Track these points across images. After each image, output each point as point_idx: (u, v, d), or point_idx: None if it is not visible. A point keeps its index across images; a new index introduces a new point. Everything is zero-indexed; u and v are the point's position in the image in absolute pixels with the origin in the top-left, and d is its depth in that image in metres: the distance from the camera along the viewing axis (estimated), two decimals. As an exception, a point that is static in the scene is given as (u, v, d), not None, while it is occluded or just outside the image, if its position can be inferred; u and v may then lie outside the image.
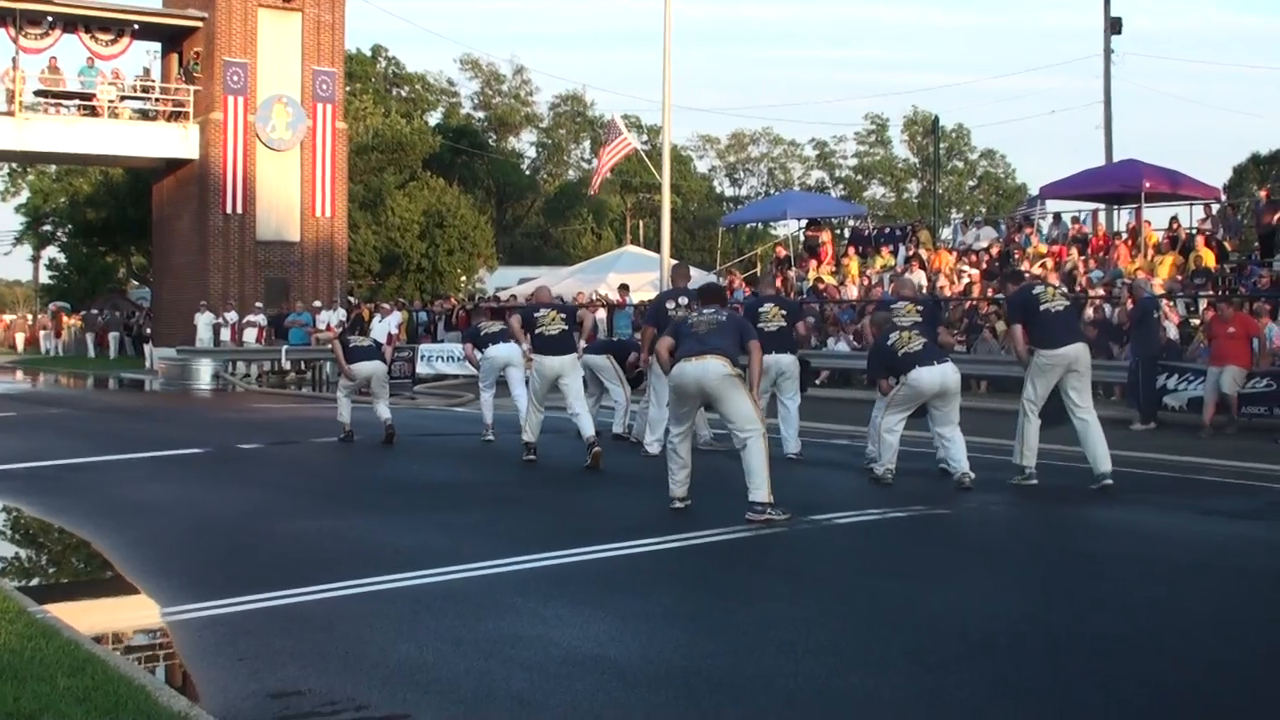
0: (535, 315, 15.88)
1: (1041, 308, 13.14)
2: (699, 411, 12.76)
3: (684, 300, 15.78)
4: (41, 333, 63.64)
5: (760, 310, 15.57)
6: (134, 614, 8.50)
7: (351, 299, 45.26)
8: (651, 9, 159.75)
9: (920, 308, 14.32)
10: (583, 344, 16.70)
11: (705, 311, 11.68)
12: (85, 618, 7.98)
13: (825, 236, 39.30)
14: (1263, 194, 30.19)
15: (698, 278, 42.08)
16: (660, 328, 15.99)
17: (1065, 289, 13.14)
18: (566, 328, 15.73)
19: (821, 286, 34.77)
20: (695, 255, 76.30)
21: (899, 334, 13.51)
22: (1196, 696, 6.20)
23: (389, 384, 18.98)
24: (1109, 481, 12.84)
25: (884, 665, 6.64)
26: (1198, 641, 7.27)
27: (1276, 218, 27.70)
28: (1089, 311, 25.31)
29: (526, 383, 16.93)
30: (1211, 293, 25.34)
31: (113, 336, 54.60)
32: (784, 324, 15.67)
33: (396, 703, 6.06)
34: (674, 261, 34.04)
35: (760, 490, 10.87)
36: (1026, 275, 17.96)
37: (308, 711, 5.99)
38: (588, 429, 15.24)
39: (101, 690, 5.89)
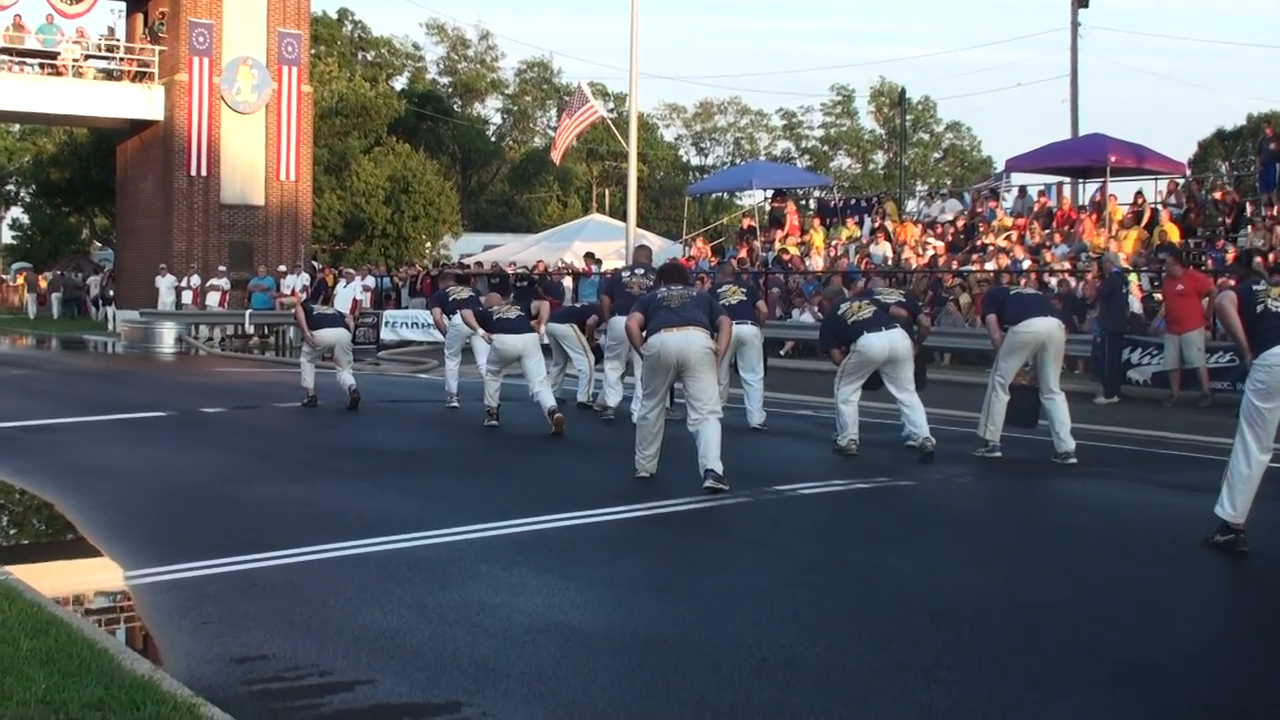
0: (490, 311, 16.21)
1: (1012, 293, 13.31)
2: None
3: (640, 272, 16.30)
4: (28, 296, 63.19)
5: (719, 290, 15.68)
6: (97, 577, 8.48)
7: (315, 264, 45.06)
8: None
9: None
10: (543, 328, 16.85)
11: (674, 288, 11.65)
12: (48, 580, 7.95)
13: (791, 207, 39.30)
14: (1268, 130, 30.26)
15: (663, 249, 42.16)
16: (615, 297, 16.29)
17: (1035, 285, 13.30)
18: (522, 313, 15.92)
19: (786, 257, 34.77)
20: (661, 224, 76.23)
21: (849, 304, 13.62)
22: (1156, 668, 6.24)
23: (352, 351, 18.89)
24: (1073, 460, 12.91)
25: (849, 635, 6.67)
26: (1158, 613, 7.32)
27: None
28: (1052, 282, 25.39)
29: None
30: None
31: (55, 298, 54.47)
32: (744, 298, 15.77)
33: (361, 669, 6.06)
34: (639, 231, 34.03)
35: (719, 462, 10.91)
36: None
37: (271, 676, 5.98)
38: (548, 402, 15.30)
39: (65, 653, 5.87)
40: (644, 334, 11.31)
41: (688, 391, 11.22)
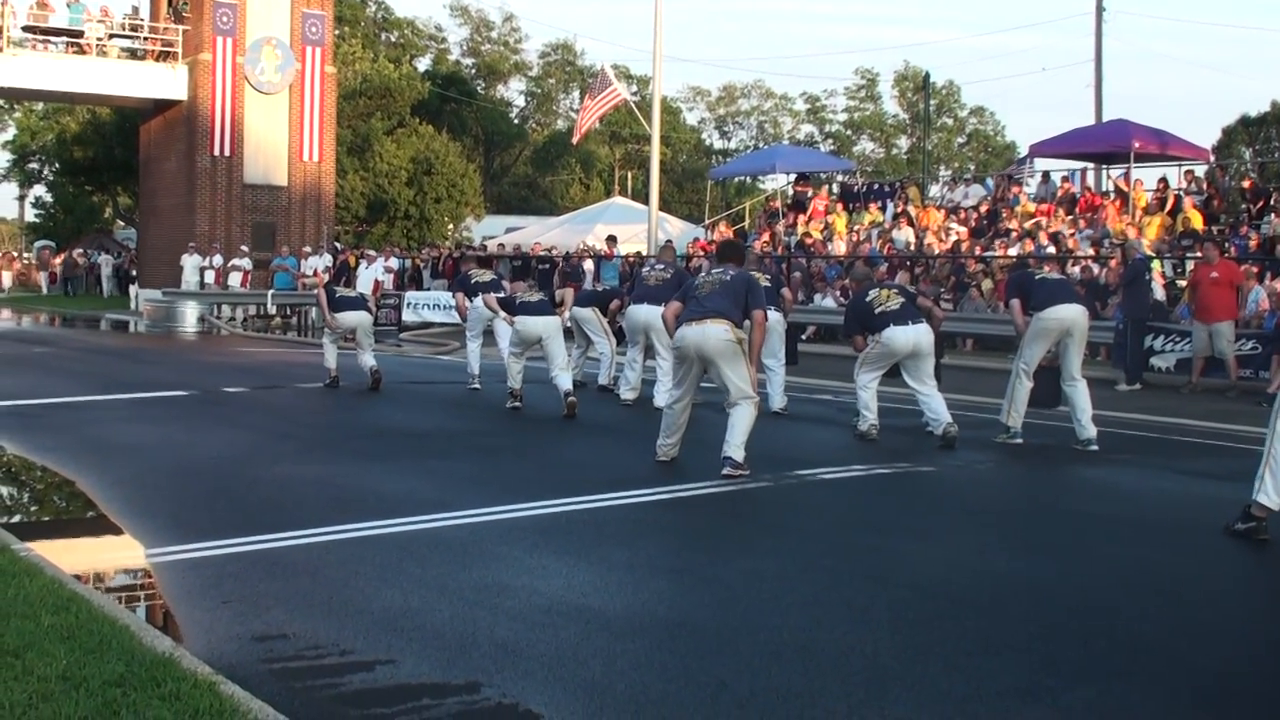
0: (515, 298, 16.29)
1: (1037, 278, 13.22)
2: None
3: (660, 267, 16.47)
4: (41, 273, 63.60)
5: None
6: (118, 554, 8.49)
7: (338, 245, 45.10)
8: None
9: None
10: (565, 312, 16.89)
11: (714, 271, 11.57)
12: (69, 557, 7.97)
13: (824, 194, 39.28)
14: None
15: (684, 233, 42.14)
16: (634, 287, 16.47)
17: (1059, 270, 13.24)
18: (545, 297, 15.99)
19: (809, 241, 34.72)
20: (683, 208, 76.24)
21: (878, 292, 13.56)
22: (1175, 656, 6.23)
23: (374, 334, 18.85)
24: (1094, 447, 12.89)
25: (867, 620, 6.66)
26: (1178, 601, 7.30)
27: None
28: (1075, 270, 25.32)
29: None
30: (1199, 254, 25.37)
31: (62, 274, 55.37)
32: (767, 284, 15.76)
33: (381, 648, 6.06)
34: (661, 215, 34.02)
35: (739, 450, 10.90)
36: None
37: (292, 655, 5.99)
38: (565, 385, 15.33)
39: (85, 629, 5.89)
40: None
41: (719, 382, 11.19)
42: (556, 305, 16.39)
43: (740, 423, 10.96)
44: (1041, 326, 12.98)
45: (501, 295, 16.85)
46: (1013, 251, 28.05)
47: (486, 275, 18.19)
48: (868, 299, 13.53)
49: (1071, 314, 12.96)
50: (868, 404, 13.53)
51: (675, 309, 11.41)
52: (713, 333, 10.96)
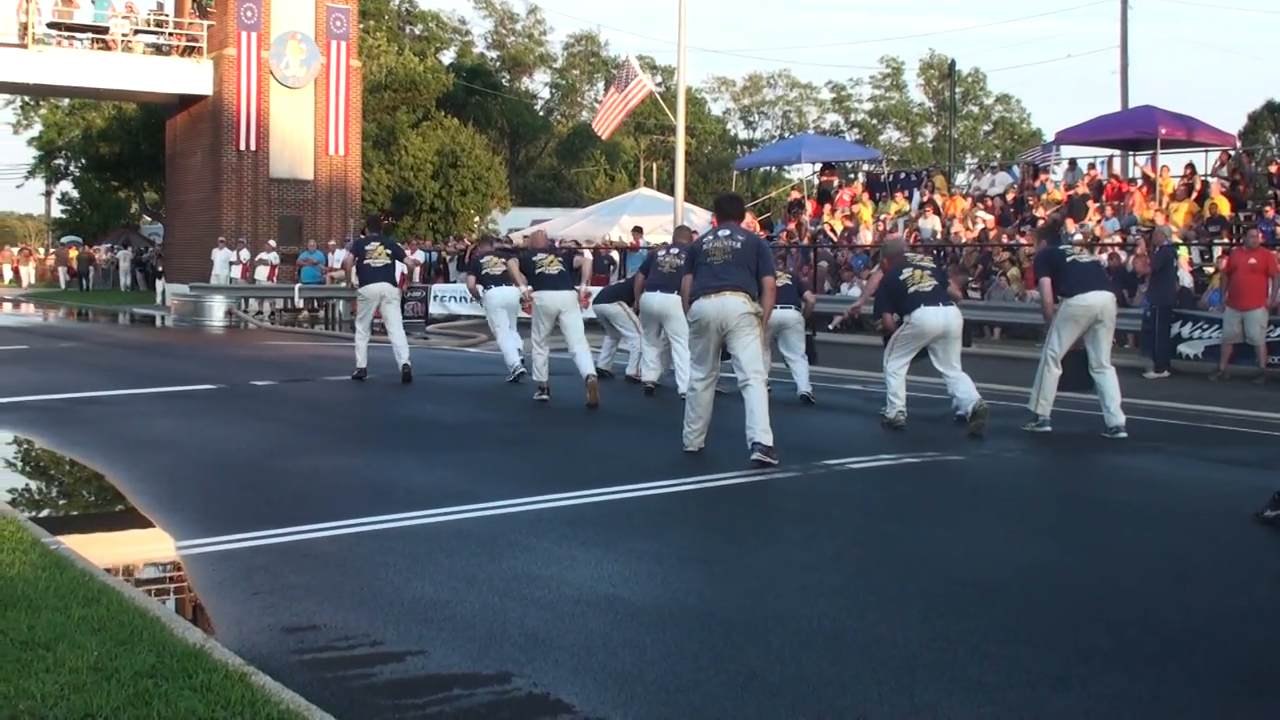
0: (534, 259, 16.07)
1: (1068, 259, 13.06)
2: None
3: (675, 251, 16.22)
4: (60, 268, 64.12)
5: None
6: (147, 547, 8.52)
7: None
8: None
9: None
10: (586, 287, 16.79)
11: (720, 234, 11.43)
12: (99, 550, 7.99)
13: (845, 188, 39.20)
14: None
15: (705, 221, 42.07)
16: (648, 275, 16.49)
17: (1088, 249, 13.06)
18: (564, 269, 15.90)
19: (835, 236, 34.69)
20: (708, 199, 75.69)
21: (911, 271, 13.46)
22: (1206, 643, 6.20)
23: (400, 309, 18.68)
24: (1123, 434, 12.83)
25: (897, 609, 6.65)
26: (1208, 589, 7.27)
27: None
28: (1103, 258, 25.24)
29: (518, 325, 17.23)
30: (1226, 240, 25.28)
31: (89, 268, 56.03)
32: (787, 282, 15.76)
33: (411, 639, 6.07)
34: (686, 205, 33.97)
35: (767, 433, 10.90)
36: (1061, 233, 17.48)
37: (323, 646, 6.01)
38: (587, 367, 15.36)
39: (116, 621, 5.90)
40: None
41: (731, 353, 11.20)
42: (575, 270, 16.33)
43: (758, 405, 10.96)
44: (1070, 313, 12.89)
45: (520, 257, 16.64)
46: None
47: (499, 268, 18.02)
48: (901, 278, 13.43)
49: (1101, 301, 12.86)
50: (896, 391, 13.48)
51: (688, 282, 11.39)
52: (731, 305, 10.96)
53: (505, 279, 17.57)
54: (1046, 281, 13.02)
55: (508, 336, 18.18)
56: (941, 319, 13.12)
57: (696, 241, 11.99)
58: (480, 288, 18.09)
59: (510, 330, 18.26)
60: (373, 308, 17.93)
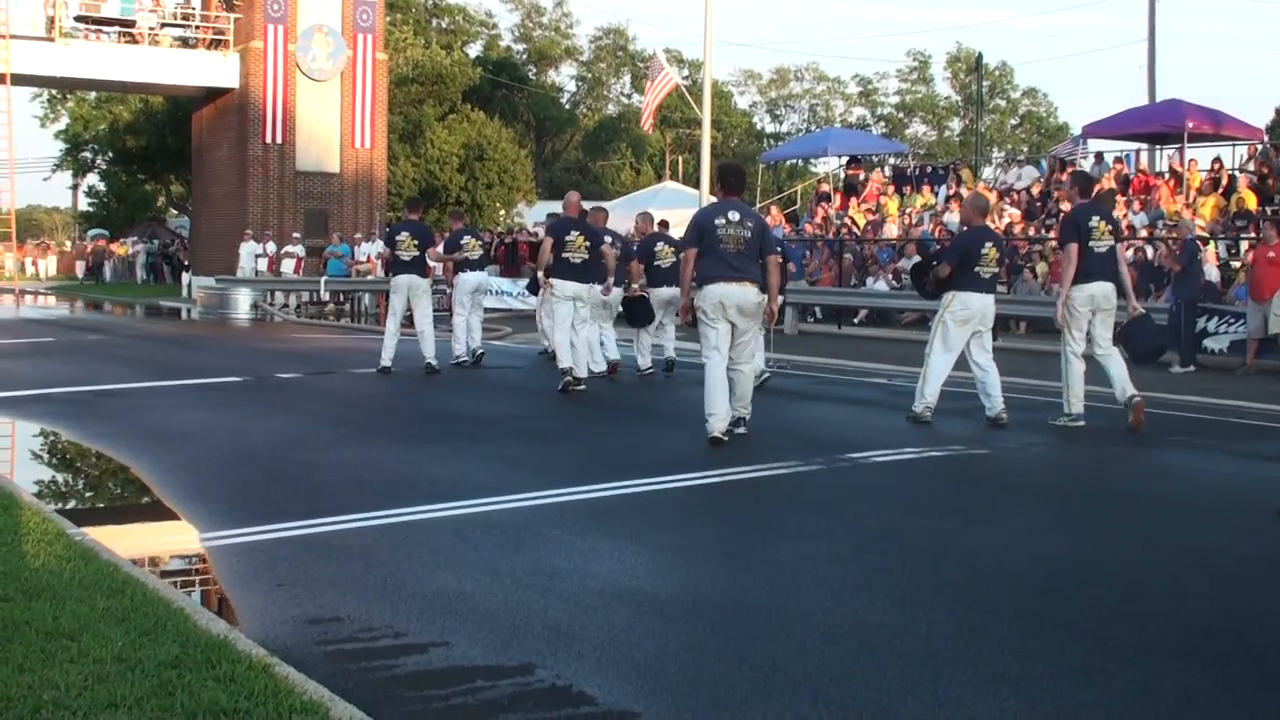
0: (565, 238, 15.88)
1: (1090, 242, 12.95)
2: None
3: (671, 248, 17.17)
4: (78, 261, 64.49)
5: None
6: (172, 538, 8.54)
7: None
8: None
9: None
10: (610, 281, 16.81)
11: (732, 218, 11.50)
12: (123, 541, 8.01)
13: (873, 175, 39.16)
14: None
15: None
16: (646, 264, 17.35)
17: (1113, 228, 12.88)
18: (589, 258, 15.85)
19: (853, 227, 34.65)
20: (734, 192, 75.84)
21: (990, 248, 13.15)
22: (1231, 638, 6.17)
23: (430, 297, 18.78)
24: (1138, 398, 12.78)
25: (921, 602, 6.63)
26: (1233, 583, 7.23)
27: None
28: (1129, 253, 25.13)
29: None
30: (1253, 235, 25.15)
31: (109, 265, 56.33)
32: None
33: (435, 631, 6.08)
34: (712, 199, 33.96)
35: (748, 409, 11.85)
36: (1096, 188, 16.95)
37: (346, 637, 6.01)
38: (611, 353, 15.45)
39: (140, 611, 5.92)
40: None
41: (734, 340, 11.61)
42: (601, 258, 16.34)
43: (747, 387, 11.83)
44: (1072, 305, 12.92)
45: (553, 232, 16.34)
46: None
47: (477, 252, 18.68)
48: (983, 251, 13.18)
49: (1102, 290, 12.87)
50: (933, 388, 13.24)
51: (692, 256, 11.60)
52: (752, 296, 11.43)
53: (480, 263, 18.77)
54: (1074, 247, 12.86)
55: (567, 338, 16.29)
56: (986, 306, 13.14)
57: (705, 218, 11.81)
58: (447, 258, 18.88)
59: (473, 315, 19.24)
60: (403, 300, 18.10)
